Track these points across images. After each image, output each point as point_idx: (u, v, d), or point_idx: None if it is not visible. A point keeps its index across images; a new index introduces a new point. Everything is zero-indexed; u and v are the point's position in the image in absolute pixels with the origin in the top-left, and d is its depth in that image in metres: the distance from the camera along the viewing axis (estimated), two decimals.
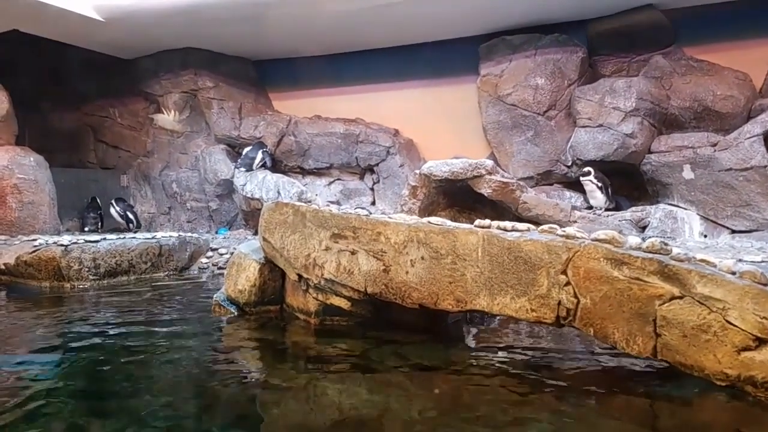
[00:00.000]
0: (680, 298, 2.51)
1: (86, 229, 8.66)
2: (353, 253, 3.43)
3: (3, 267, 5.69)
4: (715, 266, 2.59)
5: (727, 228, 6.44)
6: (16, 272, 5.61)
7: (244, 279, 4.02)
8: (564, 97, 7.43)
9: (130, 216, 8.91)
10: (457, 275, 3.09)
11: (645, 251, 2.67)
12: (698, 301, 2.47)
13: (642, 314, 2.58)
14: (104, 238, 5.87)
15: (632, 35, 7.25)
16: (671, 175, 6.62)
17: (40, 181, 7.59)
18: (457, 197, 6.84)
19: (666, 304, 2.53)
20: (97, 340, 3.57)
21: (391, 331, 3.52)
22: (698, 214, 6.53)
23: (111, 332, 3.78)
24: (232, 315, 4.07)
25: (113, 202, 8.88)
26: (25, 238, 6.23)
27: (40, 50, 8.84)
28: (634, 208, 6.77)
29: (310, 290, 3.71)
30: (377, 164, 8.54)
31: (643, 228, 6.51)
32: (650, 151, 6.84)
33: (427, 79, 8.61)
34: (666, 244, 2.68)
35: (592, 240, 2.79)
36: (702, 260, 2.62)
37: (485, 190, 6.35)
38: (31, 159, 7.60)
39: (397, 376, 2.84)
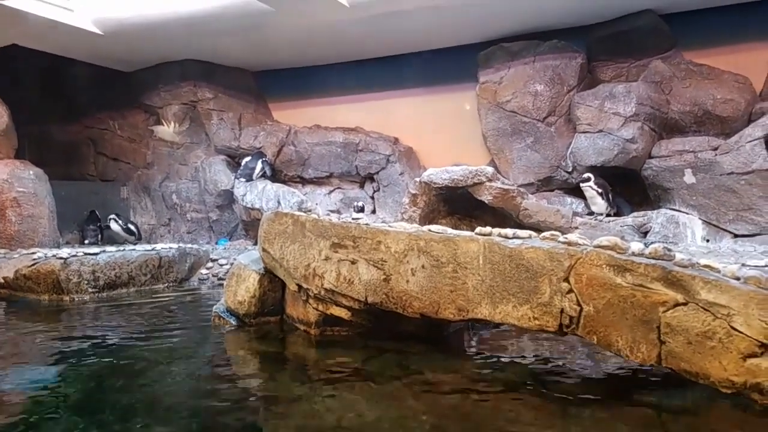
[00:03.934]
0: (684, 304, 2.48)
1: (86, 241, 8.64)
2: (353, 262, 3.40)
3: (2, 280, 5.67)
4: (719, 272, 2.55)
5: (730, 232, 6.39)
6: (15, 286, 5.59)
7: (243, 290, 3.99)
8: (563, 103, 7.41)
9: (132, 228, 8.89)
10: (459, 284, 3.05)
11: (648, 257, 2.63)
12: (702, 308, 2.44)
13: (646, 321, 2.55)
14: (103, 251, 5.84)
15: (631, 40, 7.23)
16: (672, 180, 6.59)
17: (40, 194, 7.57)
18: (458, 205, 6.81)
19: (670, 311, 2.50)
20: (95, 353, 3.54)
21: (391, 341, 3.48)
22: (700, 219, 6.48)
23: (110, 345, 3.75)
24: (232, 326, 4.04)
25: (114, 217, 8.82)
26: (25, 251, 6.20)
27: (40, 64, 8.86)
28: (635, 214, 6.73)
29: (310, 300, 3.68)
30: (377, 172, 8.52)
31: (645, 233, 6.46)
32: (651, 156, 6.81)
33: (426, 87, 8.61)
34: (669, 250, 2.65)
35: (595, 246, 2.76)
36: (706, 266, 2.58)
37: (486, 197, 6.32)
38: (31, 172, 7.59)
39: (398, 387, 2.81)
